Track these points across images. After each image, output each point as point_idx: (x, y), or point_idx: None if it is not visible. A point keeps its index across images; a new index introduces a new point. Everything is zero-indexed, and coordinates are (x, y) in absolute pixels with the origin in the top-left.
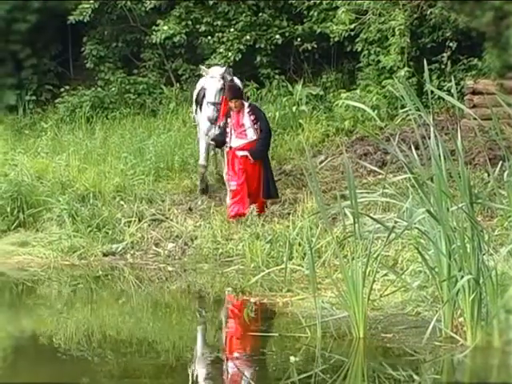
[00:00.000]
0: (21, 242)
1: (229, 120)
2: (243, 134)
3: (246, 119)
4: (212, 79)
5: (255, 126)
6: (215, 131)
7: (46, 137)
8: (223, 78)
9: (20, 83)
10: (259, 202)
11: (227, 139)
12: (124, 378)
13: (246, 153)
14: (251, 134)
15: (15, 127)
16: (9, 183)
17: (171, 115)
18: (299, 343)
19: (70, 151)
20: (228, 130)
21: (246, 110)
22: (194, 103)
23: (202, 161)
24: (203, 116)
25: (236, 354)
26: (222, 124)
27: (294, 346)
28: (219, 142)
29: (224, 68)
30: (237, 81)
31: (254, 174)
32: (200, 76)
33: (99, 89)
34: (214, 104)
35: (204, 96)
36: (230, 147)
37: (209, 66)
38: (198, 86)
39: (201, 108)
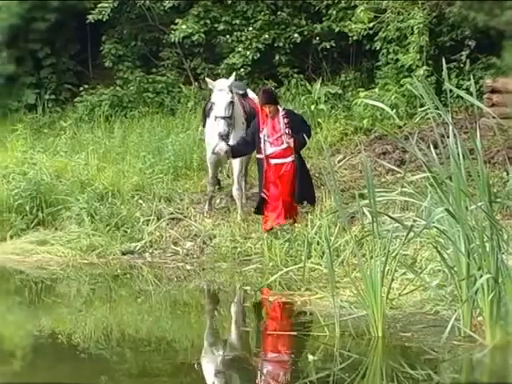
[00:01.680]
0: (40, 241)
1: (262, 126)
2: (279, 140)
3: (281, 124)
4: (220, 92)
5: (287, 131)
6: (221, 143)
7: (65, 136)
8: (231, 90)
9: (39, 82)
10: (294, 208)
11: (261, 145)
12: (142, 376)
13: (280, 160)
14: (286, 141)
15: (34, 126)
16: (28, 182)
17: (189, 114)
18: (318, 342)
19: (88, 150)
20: (261, 137)
21: (281, 113)
22: (201, 112)
23: (209, 179)
24: (212, 131)
25: (254, 353)
26: (248, 132)
27: (313, 344)
28: (236, 150)
29: (231, 79)
30: (251, 94)
31: (289, 180)
32: (218, 76)
33: (118, 88)
34: (224, 118)
35: (211, 109)
36: (265, 155)
37: (215, 78)
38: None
39: (205, 121)
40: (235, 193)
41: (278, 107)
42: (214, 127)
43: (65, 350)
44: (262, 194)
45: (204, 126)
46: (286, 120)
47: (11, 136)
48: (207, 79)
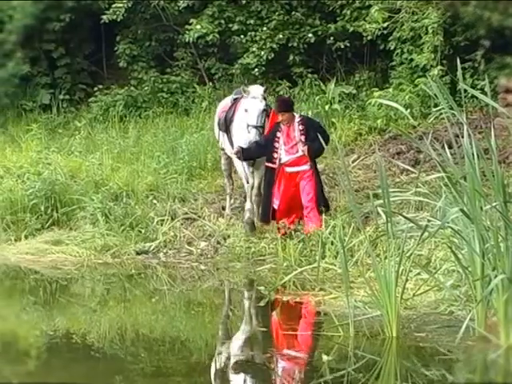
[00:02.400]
0: (55, 241)
1: (278, 134)
2: (294, 148)
3: (296, 132)
4: (254, 100)
5: (302, 138)
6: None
7: (79, 136)
8: (265, 98)
9: (54, 82)
10: (316, 214)
11: (275, 155)
12: (157, 376)
13: (295, 169)
14: (300, 149)
15: (49, 126)
16: (43, 182)
17: (204, 114)
18: (332, 342)
19: (103, 150)
20: (277, 145)
21: (297, 120)
22: (216, 126)
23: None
24: (240, 137)
25: (268, 353)
26: (263, 137)
27: (327, 344)
28: (247, 153)
29: (265, 87)
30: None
31: (304, 188)
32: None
33: (132, 88)
34: (256, 127)
35: (232, 118)
36: (280, 163)
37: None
38: (223, 106)
39: (227, 132)
40: (255, 198)
41: (294, 114)
42: (243, 134)
43: (79, 349)
44: (275, 205)
45: (221, 136)
46: (301, 127)
47: (26, 136)
48: (244, 87)
